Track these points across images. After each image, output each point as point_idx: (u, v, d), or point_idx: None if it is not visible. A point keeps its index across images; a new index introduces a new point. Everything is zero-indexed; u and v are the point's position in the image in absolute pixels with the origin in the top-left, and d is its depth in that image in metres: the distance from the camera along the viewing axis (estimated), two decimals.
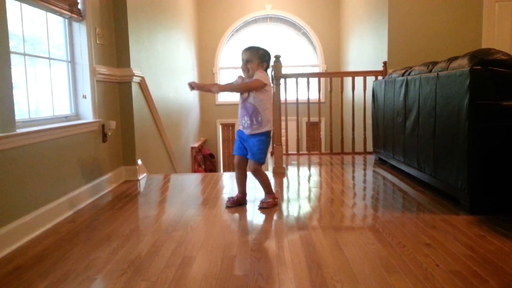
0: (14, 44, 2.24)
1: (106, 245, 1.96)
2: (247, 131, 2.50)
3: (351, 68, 6.46)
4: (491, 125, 2.18)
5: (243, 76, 2.53)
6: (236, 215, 2.44)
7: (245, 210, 2.52)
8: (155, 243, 1.97)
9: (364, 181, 3.33)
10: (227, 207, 2.56)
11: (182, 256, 1.81)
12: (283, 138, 4.18)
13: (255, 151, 2.49)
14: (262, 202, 2.57)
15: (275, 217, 2.38)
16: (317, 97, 4.53)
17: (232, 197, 2.63)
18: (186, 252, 1.85)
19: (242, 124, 2.53)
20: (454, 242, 1.88)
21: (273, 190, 2.68)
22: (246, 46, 2.52)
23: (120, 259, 1.78)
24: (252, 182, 3.20)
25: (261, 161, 2.52)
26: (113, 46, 3.31)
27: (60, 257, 1.82)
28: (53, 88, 2.64)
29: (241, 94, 2.50)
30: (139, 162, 3.52)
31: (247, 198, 2.68)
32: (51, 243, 2.01)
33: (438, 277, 1.54)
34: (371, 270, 1.61)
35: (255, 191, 2.97)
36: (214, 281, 1.56)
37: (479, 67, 2.16)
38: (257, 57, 2.47)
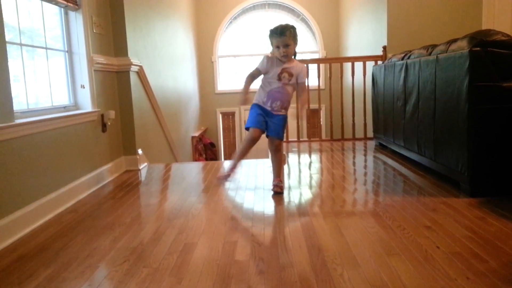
0: (11, 36, 2.24)
1: (108, 233, 1.97)
2: (274, 111, 2.50)
3: (351, 53, 6.41)
4: (491, 107, 2.17)
5: (277, 61, 2.45)
6: (237, 202, 2.45)
7: (246, 197, 2.53)
8: (157, 231, 1.98)
9: (365, 167, 3.33)
10: (226, 180, 2.66)
11: (184, 242, 1.82)
12: None
13: (280, 129, 2.53)
14: (277, 186, 2.55)
15: (276, 203, 2.38)
16: (317, 83, 4.51)
17: (224, 174, 2.59)
18: (188, 239, 1.86)
19: (271, 106, 2.48)
20: (454, 224, 1.88)
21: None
22: (277, 30, 2.39)
23: (122, 247, 1.79)
24: (253, 171, 3.20)
25: (283, 138, 2.60)
26: (110, 35, 3.29)
27: (63, 246, 1.84)
28: (51, 79, 2.63)
29: (279, 79, 2.46)
30: (140, 151, 3.52)
31: (246, 186, 2.69)
32: (53, 233, 2.02)
33: (438, 258, 1.55)
34: (372, 253, 1.62)
35: (255, 178, 2.98)
36: (215, 266, 1.57)
37: (478, 49, 2.14)
38: (292, 38, 2.39)
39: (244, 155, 2.54)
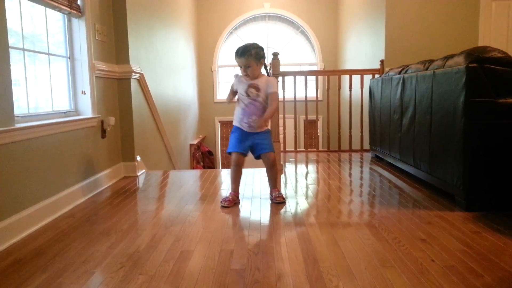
0: (14, 41, 2.25)
1: (104, 239, 1.98)
2: (253, 130, 2.52)
3: (349, 66, 6.48)
4: (487, 123, 2.20)
5: (243, 78, 2.52)
6: (234, 211, 2.46)
7: (243, 207, 2.54)
8: (154, 238, 1.98)
9: (361, 178, 3.35)
10: (223, 207, 2.49)
11: (180, 250, 1.82)
12: (281, 136, 4.20)
13: (268, 142, 2.55)
14: (277, 197, 2.57)
15: (272, 213, 2.39)
16: (315, 95, 4.55)
17: (227, 197, 2.55)
18: (184, 247, 1.86)
19: (248, 122, 2.51)
20: (449, 238, 1.90)
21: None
22: (238, 51, 2.46)
23: (118, 253, 1.80)
24: (250, 180, 3.22)
25: (274, 150, 2.61)
26: (112, 42, 3.32)
27: (59, 251, 1.84)
28: (52, 84, 2.65)
29: (248, 95, 2.49)
30: (138, 158, 3.53)
31: (243, 194, 2.69)
32: (50, 237, 2.02)
33: (433, 272, 1.56)
34: (367, 265, 1.63)
35: (252, 187, 2.99)
36: (211, 275, 1.58)
37: (475, 65, 2.18)
38: (253, 59, 2.44)
39: (237, 178, 2.60)
